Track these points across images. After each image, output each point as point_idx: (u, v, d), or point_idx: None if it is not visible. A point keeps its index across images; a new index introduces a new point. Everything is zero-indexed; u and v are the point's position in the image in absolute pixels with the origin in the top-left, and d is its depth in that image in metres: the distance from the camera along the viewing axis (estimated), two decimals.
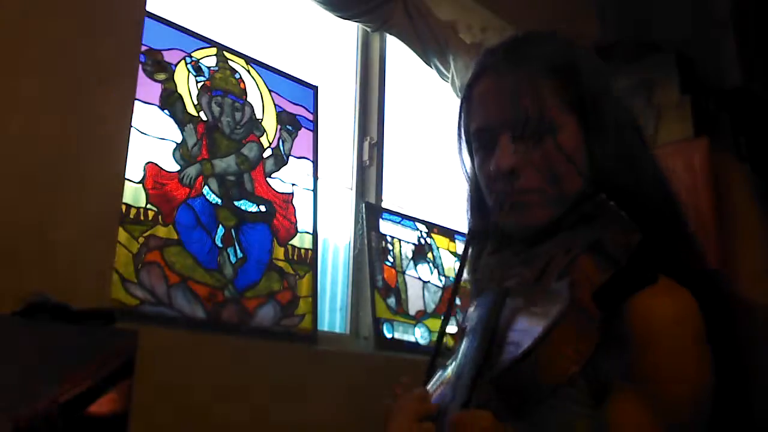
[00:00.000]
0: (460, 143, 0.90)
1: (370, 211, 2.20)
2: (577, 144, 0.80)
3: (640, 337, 0.70)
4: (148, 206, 1.62)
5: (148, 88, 1.68)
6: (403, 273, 2.23)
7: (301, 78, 2.08)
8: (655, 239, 0.74)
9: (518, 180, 0.79)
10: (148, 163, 1.64)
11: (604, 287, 0.69)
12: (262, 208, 1.85)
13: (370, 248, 2.14)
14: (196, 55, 1.83)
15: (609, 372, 0.70)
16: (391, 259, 2.21)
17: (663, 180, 0.83)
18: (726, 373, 0.73)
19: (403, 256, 2.26)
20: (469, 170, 0.90)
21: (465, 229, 0.92)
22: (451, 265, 2.42)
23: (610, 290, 0.69)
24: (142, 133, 1.64)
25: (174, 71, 1.76)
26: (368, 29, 2.32)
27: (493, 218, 0.82)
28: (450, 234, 2.47)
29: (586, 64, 0.84)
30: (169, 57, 1.76)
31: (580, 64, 0.82)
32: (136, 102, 1.59)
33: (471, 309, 0.83)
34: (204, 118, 1.78)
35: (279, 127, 1.96)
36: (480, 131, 0.84)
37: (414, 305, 2.21)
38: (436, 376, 0.80)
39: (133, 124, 1.58)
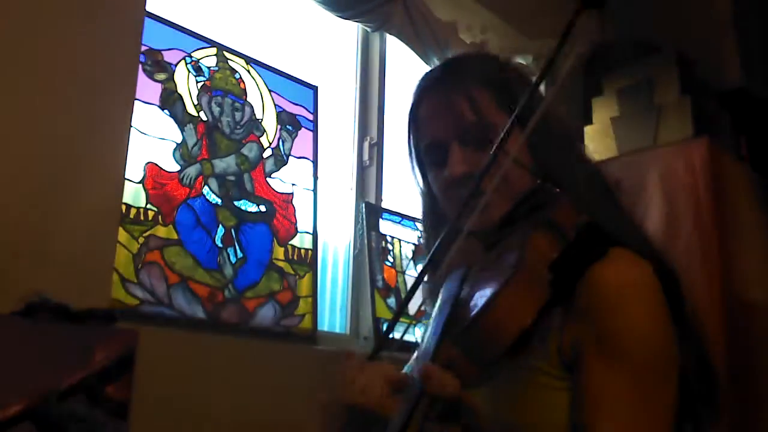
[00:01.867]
0: (412, 164, 0.98)
1: (370, 211, 2.20)
2: (520, 145, 0.84)
3: (600, 303, 0.73)
4: (148, 206, 1.61)
5: (148, 88, 1.68)
6: (403, 273, 2.23)
7: (301, 78, 2.08)
8: (601, 220, 0.78)
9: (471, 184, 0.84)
10: (148, 163, 1.64)
11: (558, 260, 0.72)
12: (262, 208, 1.85)
13: (370, 248, 2.14)
14: (196, 55, 1.83)
15: (577, 342, 0.73)
16: (391, 259, 2.21)
17: (599, 173, 0.89)
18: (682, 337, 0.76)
19: (403, 256, 2.26)
20: (422, 187, 0.98)
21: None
22: None
23: (563, 263, 0.72)
24: (142, 133, 1.64)
25: (174, 71, 1.76)
26: (368, 29, 2.32)
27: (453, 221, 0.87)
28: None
29: (514, 73, 0.93)
30: (169, 57, 1.76)
31: (508, 74, 0.92)
32: (136, 102, 1.59)
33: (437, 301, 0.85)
34: (204, 118, 1.78)
35: (279, 127, 1.96)
36: (430, 147, 0.92)
37: (414, 305, 2.21)
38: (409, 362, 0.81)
39: (133, 124, 1.58)
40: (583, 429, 0.70)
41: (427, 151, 0.93)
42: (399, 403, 0.64)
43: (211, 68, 1.85)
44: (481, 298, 0.70)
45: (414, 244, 2.32)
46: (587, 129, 2.72)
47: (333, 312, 2.12)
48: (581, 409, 0.71)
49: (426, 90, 0.94)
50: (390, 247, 2.22)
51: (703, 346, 0.80)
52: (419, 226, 1.03)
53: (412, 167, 0.99)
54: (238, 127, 1.86)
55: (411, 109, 0.96)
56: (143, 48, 1.67)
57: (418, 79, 0.97)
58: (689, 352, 0.77)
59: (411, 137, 0.97)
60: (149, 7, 1.69)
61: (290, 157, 1.97)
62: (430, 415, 0.63)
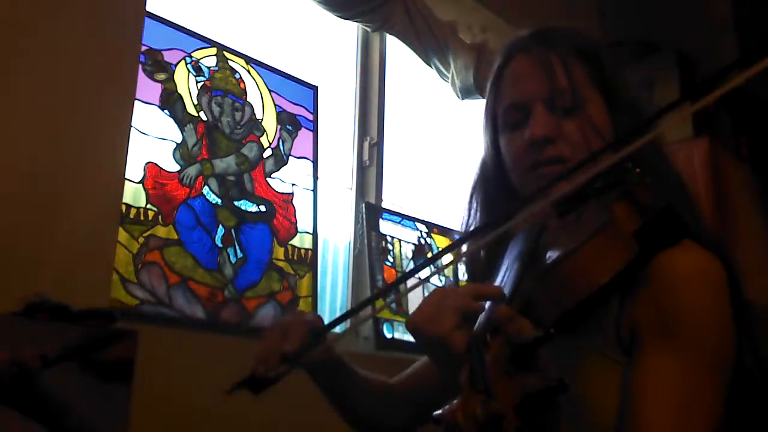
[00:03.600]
0: (485, 126, 0.94)
1: (370, 211, 2.20)
2: (605, 120, 0.86)
3: (668, 288, 0.72)
4: (148, 206, 1.61)
5: (148, 88, 1.68)
6: (403, 273, 2.23)
7: (301, 78, 2.08)
8: (680, 211, 0.76)
9: (552, 148, 0.84)
10: (148, 163, 1.64)
11: (640, 231, 0.70)
12: (262, 208, 1.85)
13: (370, 248, 2.14)
14: (196, 55, 1.83)
15: (636, 325, 0.72)
16: (391, 259, 2.20)
17: (671, 161, 0.88)
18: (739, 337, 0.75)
19: (403, 256, 2.26)
20: (489, 151, 0.94)
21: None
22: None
23: (644, 236, 0.70)
24: (142, 133, 1.64)
25: (174, 71, 1.76)
26: (368, 29, 2.32)
27: (522, 188, 0.87)
28: (450, 234, 2.47)
29: (605, 52, 0.92)
30: (169, 57, 1.76)
31: (601, 52, 0.91)
32: (136, 102, 1.59)
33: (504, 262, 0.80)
34: (204, 118, 1.78)
35: (279, 127, 1.96)
36: (512, 107, 0.88)
37: (414, 305, 2.21)
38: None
39: (133, 124, 1.58)
40: (632, 414, 0.69)
41: (508, 111, 0.89)
42: (466, 337, 0.62)
43: (211, 68, 1.85)
44: (563, 246, 0.70)
45: (414, 244, 2.32)
46: None
47: (333, 312, 2.12)
48: (631, 393, 0.70)
49: (518, 50, 0.91)
50: (390, 247, 2.22)
51: (758, 343, 0.79)
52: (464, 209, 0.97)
53: (484, 129, 0.95)
54: (238, 127, 1.86)
55: (497, 68, 0.93)
56: (143, 48, 1.67)
57: (509, 41, 0.95)
58: (744, 348, 0.76)
59: (490, 98, 0.94)
60: (149, 7, 1.69)
61: (290, 157, 1.97)
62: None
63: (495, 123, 0.92)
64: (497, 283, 0.73)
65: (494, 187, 0.93)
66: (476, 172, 0.97)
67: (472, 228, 0.95)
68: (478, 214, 0.95)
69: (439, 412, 0.52)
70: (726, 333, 0.73)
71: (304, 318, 0.90)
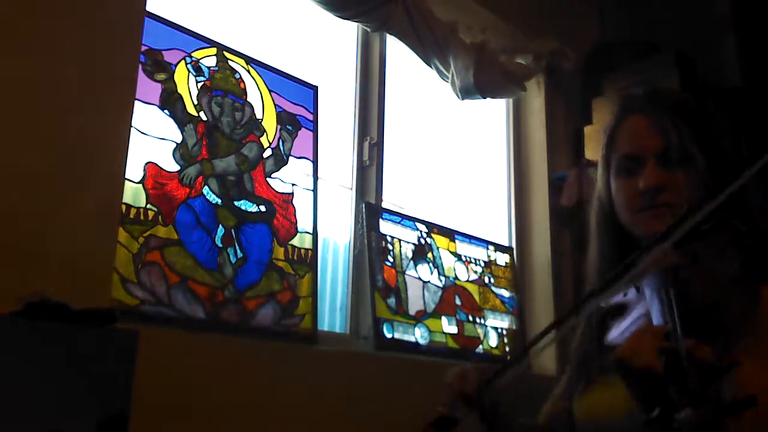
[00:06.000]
0: (601, 167, 1.12)
1: (370, 211, 2.20)
2: (707, 171, 0.99)
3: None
4: (148, 206, 1.62)
5: (148, 88, 1.68)
6: (403, 273, 2.23)
7: (301, 78, 2.08)
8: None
9: (662, 196, 1.00)
10: (148, 163, 1.64)
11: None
12: (262, 208, 1.85)
13: (370, 248, 2.14)
14: (196, 55, 1.83)
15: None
16: (391, 259, 2.21)
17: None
18: None
19: (403, 256, 2.26)
20: (602, 189, 1.11)
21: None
22: (450, 264, 2.41)
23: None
24: (142, 133, 1.64)
25: (174, 71, 1.76)
26: (368, 29, 2.32)
27: (629, 224, 1.04)
28: (450, 234, 2.47)
29: (708, 112, 1.07)
30: (169, 57, 1.76)
31: (705, 113, 1.07)
32: (136, 102, 1.59)
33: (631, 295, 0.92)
34: (204, 118, 1.78)
35: (279, 127, 1.96)
36: (627, 157, 1.05)
37: (414, 305, 2.21)
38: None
39: (133, 124, 1.58)
40: None
41: (623, 160, 1.05)
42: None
43: (211, 68, 1.85)
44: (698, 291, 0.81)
45: (414, 244, 2.32)
46: (587, 129, 2.72)
47: (333, 312, 2.12)
48: None
49: (635, 110, 1.08)
50: (390, 247, 2.22)
51: None
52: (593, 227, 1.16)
53: (600, 171, 1.12)
54: (238, 127, 1.86)
55: (615, 122, 1.10)
56: (143, 48, 1.67)
57: (625, 98, 1.13)
58: None
59: (606, 146, 1.10)
60: (149, 7, 1.69)
61: (290, 157, 1.97)
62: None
63: (608, 166, 1.09)
64: (638, 315, 0.88)
65: (612, 222, 1.09)
66: (595, 204, 1.14)
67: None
68: (608, 249, 1.11)
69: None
70: None
71: (479, 366, 1.02)
